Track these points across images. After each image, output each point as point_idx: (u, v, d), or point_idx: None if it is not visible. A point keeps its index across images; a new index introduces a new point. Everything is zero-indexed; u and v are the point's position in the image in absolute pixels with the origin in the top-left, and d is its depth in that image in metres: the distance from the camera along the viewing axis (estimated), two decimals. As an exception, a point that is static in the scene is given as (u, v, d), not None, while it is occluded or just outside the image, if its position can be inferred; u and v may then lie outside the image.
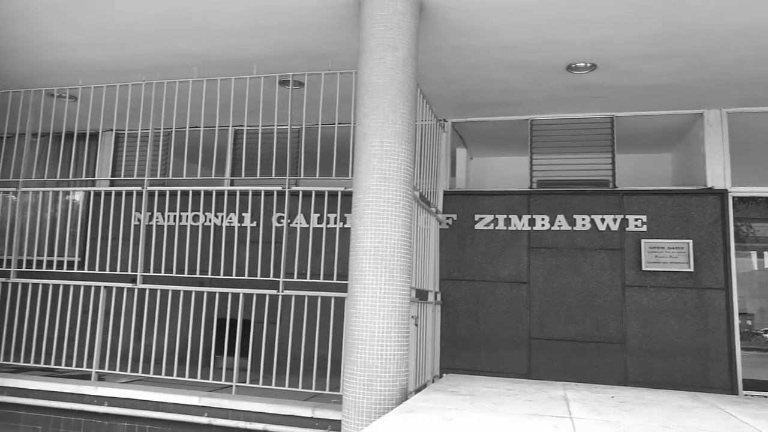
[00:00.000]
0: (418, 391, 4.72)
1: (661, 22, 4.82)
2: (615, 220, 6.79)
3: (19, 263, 6.08)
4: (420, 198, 5.41)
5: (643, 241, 6.66)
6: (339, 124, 5.59)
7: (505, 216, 7.05)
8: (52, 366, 5.97)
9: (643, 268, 6.61)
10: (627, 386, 5.76)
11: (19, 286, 6.04)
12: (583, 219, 6.86)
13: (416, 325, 5.09)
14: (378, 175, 4.36)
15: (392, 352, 4.16)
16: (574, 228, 6.87)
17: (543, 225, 6.95)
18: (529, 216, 6.99)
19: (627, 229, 6.75)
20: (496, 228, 7.06)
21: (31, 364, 6.03)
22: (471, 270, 7.04)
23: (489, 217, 7.09)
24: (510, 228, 7.02)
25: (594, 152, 7.13)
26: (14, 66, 6.27)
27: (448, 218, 7.16)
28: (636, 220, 6.75)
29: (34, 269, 5.98)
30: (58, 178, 6.30)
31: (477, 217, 7.12)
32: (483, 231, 7.09)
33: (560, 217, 6.92)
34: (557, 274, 6.83)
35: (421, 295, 5.61)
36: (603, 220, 6.81)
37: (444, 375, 5.45)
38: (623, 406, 4.05)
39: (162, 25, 5.27)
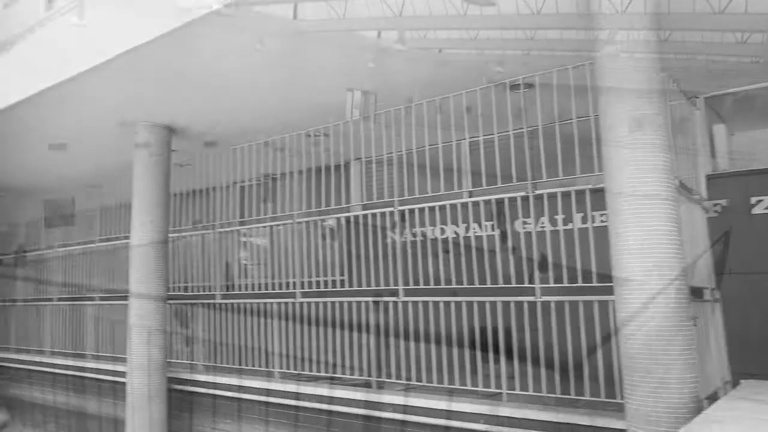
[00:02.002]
0: (709, 399, 4.24)
1: None
2: None
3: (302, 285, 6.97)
4: (680, 186, 4.92)
5: None
6: (578, 118, 5.36)
7: (791, 195, 5.98)
8: (335, 375, 6.71)
9: None
10: None
11: (304, 305, 6.92)
12: None
13: (695, 325, 4.59)
14: (632, 167, 4.13)
15: (675, 357, 3.82)
16: None
17: (844, 200, 5.75)
18: (824, 191, 5.84)
19: None
20: (781, 210, 6.03)
21: (314, 373, 6.84)
22: (754, 262, 6.09)
23: (769, 199, 6.09)
24: (799, 208, 5.94)
25: None
26: (274, 114, 7.32)
27: (715, 205, 6.34)
28: None
29: (314, 289, 6.81)
30: (321, 208, 7.12)
31: (753, 200, 6.16)
32: (764, 215, 6.11)
33: None
34: None
35: (696, 293, 5.06)
36: None
37: (741, 381, 4.78)
38: None
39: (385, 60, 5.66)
